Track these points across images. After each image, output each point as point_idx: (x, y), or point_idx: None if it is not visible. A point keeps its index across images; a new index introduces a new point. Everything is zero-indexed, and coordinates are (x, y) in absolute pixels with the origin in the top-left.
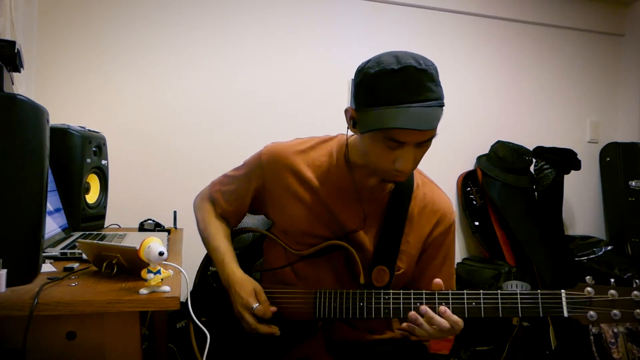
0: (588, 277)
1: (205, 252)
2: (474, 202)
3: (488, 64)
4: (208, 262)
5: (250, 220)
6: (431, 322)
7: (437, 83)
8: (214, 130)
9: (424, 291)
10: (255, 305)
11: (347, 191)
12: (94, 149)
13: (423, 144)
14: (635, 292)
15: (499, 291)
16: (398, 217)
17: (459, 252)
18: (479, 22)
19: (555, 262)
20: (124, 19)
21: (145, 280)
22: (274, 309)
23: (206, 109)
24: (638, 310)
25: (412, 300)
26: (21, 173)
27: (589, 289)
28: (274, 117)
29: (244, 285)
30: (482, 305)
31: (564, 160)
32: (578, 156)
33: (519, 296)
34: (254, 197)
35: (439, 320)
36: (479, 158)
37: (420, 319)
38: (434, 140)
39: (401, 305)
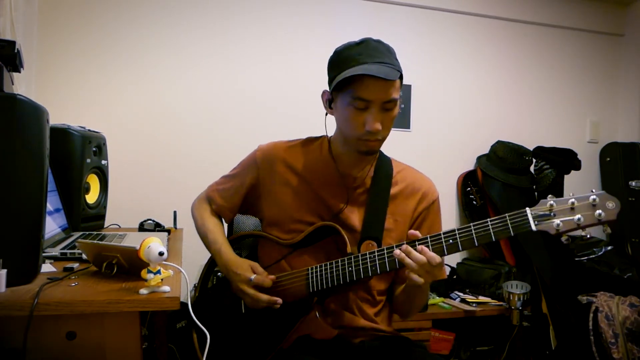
0: (550, 195)
1: (204, 267)
2: (474, 202)
3: (488, 64)
4: (208, 273)
5: (251, 222)
6: (410, 256)
7: (395, 57)
8: (214, 130)
9: (404, 242)
10: (253, 276)
11: (332, 179)
12: (94, 149)
13: (387, 106)
14: (592, 197)
15: (471, 224)
16: (381, 197)
17: (459, 252)
18: (479, 22)
19: (556, 262)
20: (124, 19)
21: (145, 280)
22: (272, 277)
23: (206, 109)
24: (599, 211)
25: None
26: (21, 173)
27: (550, 202)
28: (274, 117)
29: (241, 264)
30: (458, 241)
31: (564, 160)
32: (578, 156)
33: (489, 223)
34: (248, 191)
35: (416, 254)
36: (479, 158)
37: (405, 256)
38: (434, 140)
39: (386, 260)
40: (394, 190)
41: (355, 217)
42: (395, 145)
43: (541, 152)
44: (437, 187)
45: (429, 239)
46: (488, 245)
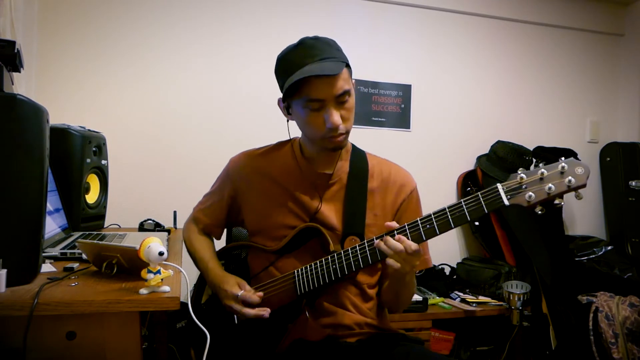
0: (520, 168)
1: (194, 285)
2: None
3: (488, 64)
4: (199, 290)
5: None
6: (387, 244)
7: (335, 48)
8: (214, 130)
9: (384, 233)
10: (240, 292)
11: (307, 179)
12: (94, 149)
13: (341, 99)
14: (560, 165)
15: (446, 207)
16: (358, 192)
17: (459, 253)
18: (479, 22)
19: (556, 262)
20: (124, 19)
21: (145, 280)
22: (260, 294)
23: (206, 109)
24: (569, 178)
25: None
26: (21, 173)
27: (520, 175)
28: (274, 117)
29: (228, 281)
30: (435, 225)
31: None
32: (578, 156)
33: (463, 204)
34: (229, 205)
35: (392, 242)
36: (479, 158)
37: (382, 244)
38: (434, 140)
39: (367, 253)
40: (371, 184)
41: (334, 214)
42: (395, 145)
43: (541, 152)
44: (437, 187)
45: (406, 227)
46: (488, 244)
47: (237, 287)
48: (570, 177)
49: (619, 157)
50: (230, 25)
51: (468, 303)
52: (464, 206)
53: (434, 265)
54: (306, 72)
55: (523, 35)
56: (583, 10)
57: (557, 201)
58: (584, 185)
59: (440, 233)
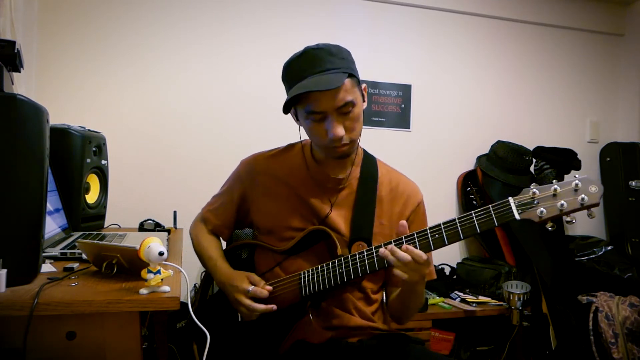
0: (533, 183)
1: (200, 284)
2: (474, 202)
3: (488, 64)
4: (205, 288)
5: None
6: (395, 255)
7: (339, 57)
8: (214, 130)
9: (392, 240)
10: (250, 287)
11: (317, 182)
12: (94, 149)
13: (344, 110)
14: (574, 182)
15: (456, 217)
16: (367, 198)
17: (459, 253)
18: (479, 22)
19: (556, 262)
20: (124, 19)
21: (145, 280)
22: (269, 287)
23: (206, 109)
24: (582, 196)
25: None
26: (21, 173)
27: (533, 190)
28: (274, 117)
29: (237, 277)
30: (444, 235)
31: (564, 160)
32: (578, 156)
33: (474, 215)
34: (238, 206)
35: (400, 253)
36: (479, 158)
37: (389, 254)
38: (434, 140)
39: (375, 259)
40: (380, 191)
41: (343, 219)
42: (396, 145)
43: (541, 152)
44: (437, 187)
45: (415, 235)
46: (488, 244)
47: (247, 282)
48: (583, 195)
49: (619, 157)
50: (230, 25)
51: (468, 303)
52: (474, 218)
53: (434, 265)
54: (303, 87)
55: (523, 35)
56: (583, 10)
57: (568, 218)
58: (596, 204)
59: (449, 243)
